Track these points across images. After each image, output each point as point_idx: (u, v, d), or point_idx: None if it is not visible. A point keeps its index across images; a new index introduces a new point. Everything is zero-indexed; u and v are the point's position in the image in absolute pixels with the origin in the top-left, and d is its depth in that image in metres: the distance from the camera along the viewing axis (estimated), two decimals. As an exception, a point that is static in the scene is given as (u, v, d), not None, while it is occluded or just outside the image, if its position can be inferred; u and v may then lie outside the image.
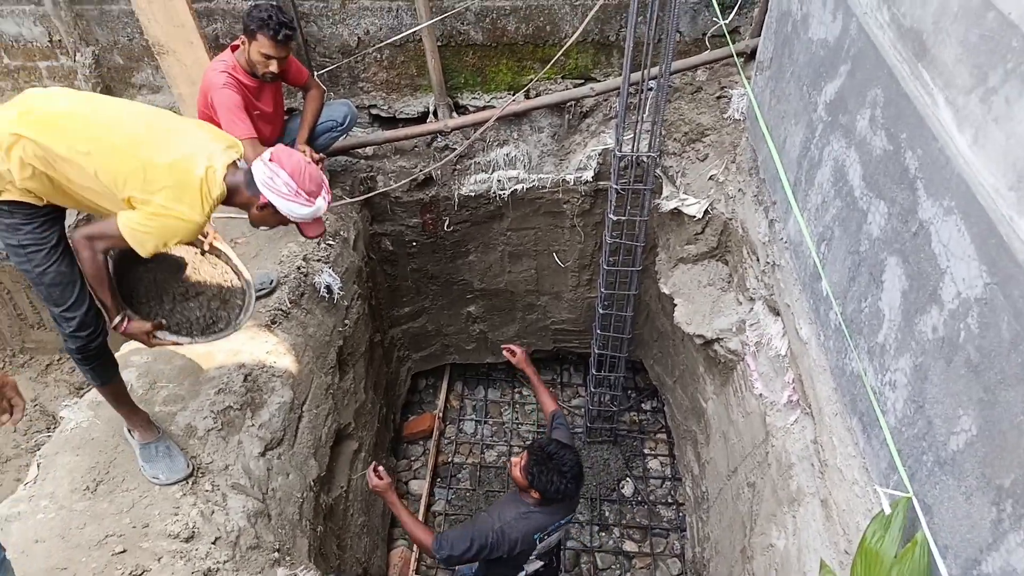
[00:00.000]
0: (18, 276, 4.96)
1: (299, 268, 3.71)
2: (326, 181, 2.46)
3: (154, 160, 2.24)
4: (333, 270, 3.91)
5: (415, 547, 4.99)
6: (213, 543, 2.68)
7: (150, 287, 2.70)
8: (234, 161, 2.38)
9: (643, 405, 6.13)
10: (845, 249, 2.45)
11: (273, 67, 3.41)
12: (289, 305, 3.59)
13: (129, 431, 2.84)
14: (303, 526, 3.30)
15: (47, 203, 2.32)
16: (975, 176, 1.72)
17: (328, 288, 3.84)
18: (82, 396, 3.17)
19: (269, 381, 3.33)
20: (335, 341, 3.95)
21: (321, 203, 2.41)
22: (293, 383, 3.41)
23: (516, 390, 6.32)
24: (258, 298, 3.51)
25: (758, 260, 3.48)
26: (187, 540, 2.64)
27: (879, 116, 2.22)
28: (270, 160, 2.33)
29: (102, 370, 2.62)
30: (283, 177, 2.31)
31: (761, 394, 3.37)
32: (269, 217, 2.43)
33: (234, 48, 3.49)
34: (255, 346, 3.36)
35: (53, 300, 2.41)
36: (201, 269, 2.82)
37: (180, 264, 2.76)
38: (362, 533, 4.30)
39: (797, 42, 2.96)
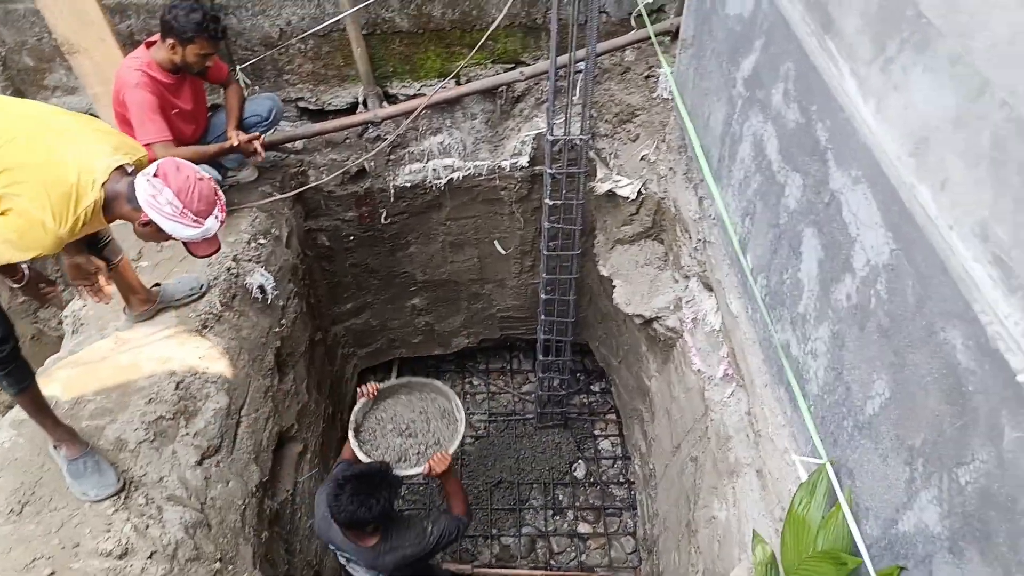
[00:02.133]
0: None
1: (229, 269, 3.60)
2: (222, 198, 2.31)
3: (25, 160, 2.08)
4: (266, 269, 3.81)
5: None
6: (149, 558, 2.59)
7: (374, 426, 3.69)
8: (121, 166, 2.20)
9: (592, 387, 6.17)
10: (766, 222, 2.48)
11: (210, 61, 3.42)
12: (220, 308, 3.48)
13: (55, 447, 2.71)
14: (247, 533, 3.22)
15: None
16: (879, 144, 1.76)
17: (261, 288, 3.73)
18: (4, 416, 3.04)
19: (203, 387, 3.22)
20: (272, 342, 3.86)
21: (212, 223, 2.26)
22: (229, 388, 3.32)
23: (466, 380, 6.29)
24: (188, 303, 3.43)
25: (690, 237, 3.51)
26: (120, 557, 2.54)
27: (792, 89, 2.25)
28: (154, 175, 2.17)
29: (19, 374, 2.46)
30: (167, 195, 2.15)
31: (699, 369, 3.41)
32: (153, 234, 2.28)
33: (149, 44, 3.35)
34: (186, 352, 3.26)
35: None
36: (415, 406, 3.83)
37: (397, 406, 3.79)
38: (312, 535, 4.23)
39: (716, 18, 2.98)
